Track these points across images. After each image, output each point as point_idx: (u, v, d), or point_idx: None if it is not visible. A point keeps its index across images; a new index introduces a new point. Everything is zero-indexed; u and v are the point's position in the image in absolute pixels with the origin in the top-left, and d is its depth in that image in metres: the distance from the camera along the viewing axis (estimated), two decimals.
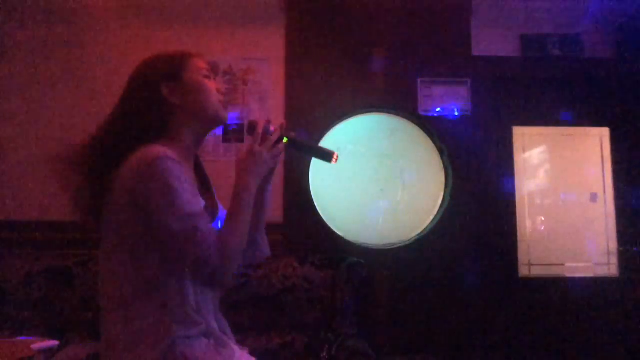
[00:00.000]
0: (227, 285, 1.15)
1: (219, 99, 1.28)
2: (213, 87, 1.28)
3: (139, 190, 1.09)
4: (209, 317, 1.21)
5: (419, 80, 2.88)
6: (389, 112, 2.93)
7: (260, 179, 1.24)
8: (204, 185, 1.34)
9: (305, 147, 1.40)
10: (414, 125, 2.92)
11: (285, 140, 1.28)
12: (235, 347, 1.27)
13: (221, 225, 1.18)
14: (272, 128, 1.27)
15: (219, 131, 2.80)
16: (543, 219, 2.97)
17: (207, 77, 1.28)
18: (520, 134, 3.01)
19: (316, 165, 2.83)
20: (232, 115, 2.83)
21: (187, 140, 1.24)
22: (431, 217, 2.87)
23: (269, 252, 1.38)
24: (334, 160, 1.32)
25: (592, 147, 3.04)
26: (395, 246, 2.81)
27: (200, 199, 1.18)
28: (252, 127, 1.27)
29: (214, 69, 1.34)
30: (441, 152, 2.90)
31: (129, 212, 1.11)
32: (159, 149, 1.12)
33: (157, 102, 1.21)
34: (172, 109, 1.22)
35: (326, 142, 2.86)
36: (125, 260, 1.13)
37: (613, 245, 2.94)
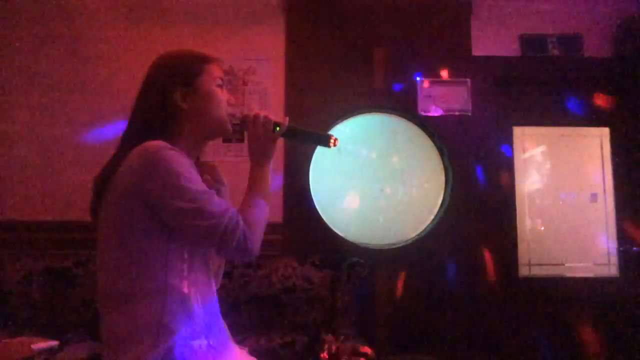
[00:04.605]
0: (256, 252, 1.16)
1: (227, 112, 1.27)
2: (224, 99, 1.28)
3: (144, 180, 1.09)
4: (209, 317, 1.21)
5: (419, 80, 2.88)
6: (389, 112, 2.93)
7: (268, 156, 1.27)
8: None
9: (300, 133, 1.33)
10: (414, 125, 2.92)
11: (277, 128, 1.26)
12: (235, 348, 1.27)
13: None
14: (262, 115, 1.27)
15: None
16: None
17: (220, 86, 1.28)
18: (520, 134, 3.01)
19: (316, 166, 2.83)
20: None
21: (186, 145, 1.23)
22: (431, 217, 2.87)
23: None
24: (331, 144, 1.27)
25: (592, 147, 3.04)
26: (395, 246, 2.81)
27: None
28: (244, 121, 1.28)
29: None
30: (441, 152, 2.90)
31: (132, 206, 1.11)
32: (159, 142, 1.13)
33: (167, 105, 1.21)
34: (180, 113, 1.22)
35: None
36: (125, 260, 1.13)
37: (613, 245, 2.94)
